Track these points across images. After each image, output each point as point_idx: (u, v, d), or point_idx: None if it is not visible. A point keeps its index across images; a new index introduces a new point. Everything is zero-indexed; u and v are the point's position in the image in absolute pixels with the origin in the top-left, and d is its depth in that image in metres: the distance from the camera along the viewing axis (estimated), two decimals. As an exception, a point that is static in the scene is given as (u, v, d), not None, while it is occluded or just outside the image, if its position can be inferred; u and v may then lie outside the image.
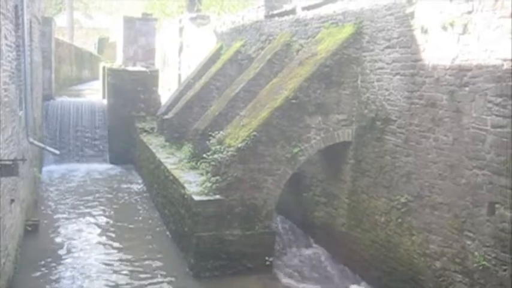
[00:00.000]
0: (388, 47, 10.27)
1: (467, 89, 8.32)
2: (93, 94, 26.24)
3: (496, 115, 7.76)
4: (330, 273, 11.57)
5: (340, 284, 11.07)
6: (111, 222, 14.64)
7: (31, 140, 13.36)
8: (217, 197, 10.87)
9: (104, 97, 23.76)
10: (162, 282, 10.83)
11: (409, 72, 9.70)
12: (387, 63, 10.32)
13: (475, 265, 8.12)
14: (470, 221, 8.28)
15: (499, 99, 7.71)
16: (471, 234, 8.26)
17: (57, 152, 15.79)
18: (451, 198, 8.66)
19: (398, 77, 10.02)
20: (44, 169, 20.00)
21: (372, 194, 10.80)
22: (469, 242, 8.31)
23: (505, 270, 7.65)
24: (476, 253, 8.12)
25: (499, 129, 7.73)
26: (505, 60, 7.59)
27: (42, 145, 15.43)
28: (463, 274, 8.42)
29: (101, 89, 25.20)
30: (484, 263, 7.96)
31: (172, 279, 10.96)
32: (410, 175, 9.66)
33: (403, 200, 9.82)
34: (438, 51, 8.95)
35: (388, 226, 10.32)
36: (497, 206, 7.78)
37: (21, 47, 12.03)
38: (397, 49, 10.01)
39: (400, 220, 9.95)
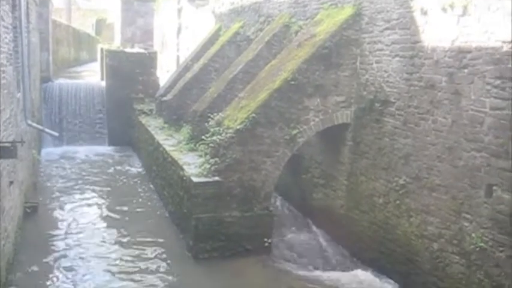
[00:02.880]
0: (387, 29, 10.22)
1: (466, 71, 8.30)
2: (91, 76, 26.15)
3: (495, 97, 7.75)
4: (328, 255, 11.63)
5: (337, 265, 11.14)
6: (110, 204, 14.68)
7: (29, 122, 13.34)
8: (216, 178, 10.89)
9: (102, 79, 23.68)
10: (160, 263, 10.88)
11: (408, 54, 9.67)
12: (386, 45, 10.27)
13: (472, 246, 8.17)
14: (468, 203, 8.31)
15: (498, 81, 7.69)
16: (469, 216, 8.30)
17: (55, 133, 15.80)
18: (449, 180, 8.68)
19: (397, 58, 9.98)
20: (43, 151, 20.01)
21: (371, 175, 10.82)
22: (466, 224, 8.35)
23: (501, 251, 7.70)
24: (473, 235, 8.16)
25: (497, 112, 7.72)
26: (504, 42, 7.56)
27: (40, 127, 15.41)
28: (460, 255, 8.48)
29: (99, 70, 25.10)
30: (481, 244, 8.00)
31: (171, 260, 11.02)
32: (409, 157, 9.68)
33: (401, 181, 9.85)
34: (438, 32, 8.90)
35: (386, 208, 10.36)
36: (495, 188, 7.80)
37: (18, 28, 11.95)
38: (397, 31, 9.95)
39: (398, 202, 9.98)
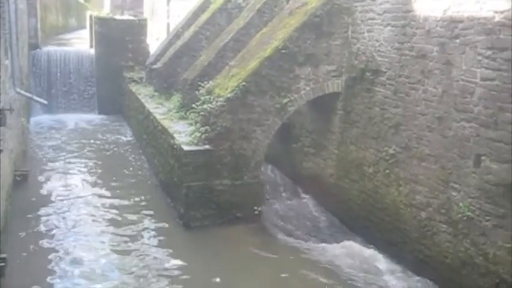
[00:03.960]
0: (379, -3, 10.15)
1: (458, 41, 8.28)
2: (81, 43, 25.80)
3: (486, 68, 7.76)
4: (318, 223, 11.76)
5: (327, 233, 11.27)
6: (100, 172, 14.67)
7: (18, 89, 13.18)
8: (207, 147, 10.90)
9: (91, 46, 23.41)
10: (152, 232, 10.95)
11: (400, 24, 9.62)
12: (378, 14, 10.21)
13: (460, 215, 8.27)
14: (456, 172, 8.39)
15: (489, 52, 7.69)
16: (457, 186, 8.39)
17: (44, 102, 15.64)
18: (438, 150, 8.74)
19: (389, 28, 9.94)
20: (32, 119, 19.87)
21: (361, 145, 10.87)
22: (454, 193, 8.44)
23: (488, 220, 7.81)
24: (461, 204, 8.26)
25: (488, 82, 7.74)
26: (496, 12, 7.53)
27: (29, 95, 15.24)
28: (448, 224, 8.59)
29: (88, 38, 24.80)
30: (468, 213, 8.11)
31: (162, 228, 11.09)
32: (399, 126, 9.72)
33: (391, 151, 9.91)
34: (430, 2, 8.85)
35: (375, 177, 10.44)
36: (483, 158, 7.87)
37: (5, -7, 11.73)
38: (389, -1, 9.89)
39: (387, 171, 10.06)
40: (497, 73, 7.57)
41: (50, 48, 22.58)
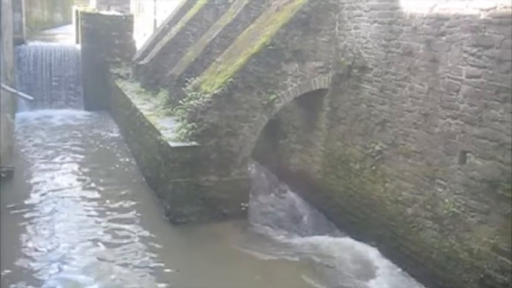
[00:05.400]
0: (366, -6, 10.18)
1: (444, 38, 8.34)
2: (66, 39, 25.58)
3: (471, 65, 7.82)
4: (304, 220, 11.79)
5: (313, 229, 11.30)
6: (87, 168, 14.58)
7: (3, 85, 13.08)
8: (193, 143, 10.88)
9: (77, 42, 23.22)
10: (138, 228, 10.91)
11: (386, 20, 9.66)
12: (365, 11, 10.24)
13: (445, 212, 8.34)
14: (442, 169, 8.45)
15: (475, 50, 7.75)
16: (442, 182, 8.45)
17: (30, 97, 15.48)
18: (424, 146, 8.80)
19: (375, 25, 9.97)
20: (18, 115, 19.67)
21: (347, 141, 10.91)
22: (440, 190, 8.50)
23: (473, 216, 7.88)
24: (446, 200, 8.33)
25: (473, 79, 7.80)
26: (482, 10, 7.60)
27: (14, 90, 15.10)
28: (433, 220, 8.66)
29: (74, 33, 24.61)
30: (453, 209, 8.18)
31: (149, 225, 11.05)
32: (385, 123, 9.76)
33: (377, 147, 9.95)
34: (416, -1, 8.90)
35: (362, 173, 10.48)
36: (468, 154, 7.94)
37: (-11, -12, 11.62)
38: (376, -4, 9.92)
39: (374, 167, 10.10)
40: (482, 70, 7.63)
41: (36, 44, 22.36)
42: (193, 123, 10.93)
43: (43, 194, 12.41)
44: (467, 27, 7.87)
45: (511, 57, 7.20)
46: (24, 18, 22.19)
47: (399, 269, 9.38)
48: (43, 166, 14.53)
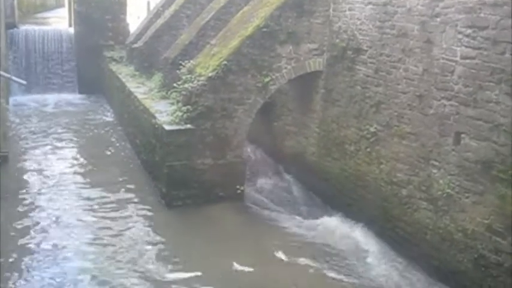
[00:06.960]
0: (360, -25, 10.12)
1: (438, 19, 8.31)
2: (59, 22, 25.39)
3: (466, 46, 7.81)
4: (300, 201, 11.83)
5: (309, 211, 11.35)
6: (82, 152, 14.58)
7: (-4, 69, 13.00)
8: (188, 126, 10.87)
9: (70, 25, 23.08)
10: (134, 211, 10.94)
11: (381, 2, 9.61)
12: (359, -8, 10.19)
13: (440, 193, 8.38)
14: (436, 150, 8.48)
15: (469, 31, 7.73)
16: (437, 163, 8.48)
17: (23, 82, 15.34)
18: (419, 128, 8.82)
19: (370, 6, 9.93)
20: (11, 99, 19.58)
21: (342, 123, 10.92)
22: (434, 171, 8.54)
23: (467, 197, 7.93)
24: (441, 181, 8.36)
25: (468, 61, 7.79)
26: (476, -10, 7.57)
27: (7, 75, 14.96)
28: (428, 201, 8.70)
29: (67, 16, 24.44)
30: (448, 190, 8.22)
31: (145, 208, 11.08)
32: (380, 105, 9.76)
33: (372, 129, 9.96)
34: (411, -20, 8.85)
35: (357, 155, 10.51)
36: (463, 136, 7.96)
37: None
38: (370, -23, 9.87)
39: (368, 149, 10.13)
40: (477, 51, 7.63)
41: (28, 27, 22.19)
42: (188, 106, 10.91)
43: (37, 179, 12.40)
44: (462, 8, 7.85)
45: (506, 39, 7.20)
46: (16, 2, 21.99)
47: (394, 250, 9.45)
48: (37, 150, 14.52)
